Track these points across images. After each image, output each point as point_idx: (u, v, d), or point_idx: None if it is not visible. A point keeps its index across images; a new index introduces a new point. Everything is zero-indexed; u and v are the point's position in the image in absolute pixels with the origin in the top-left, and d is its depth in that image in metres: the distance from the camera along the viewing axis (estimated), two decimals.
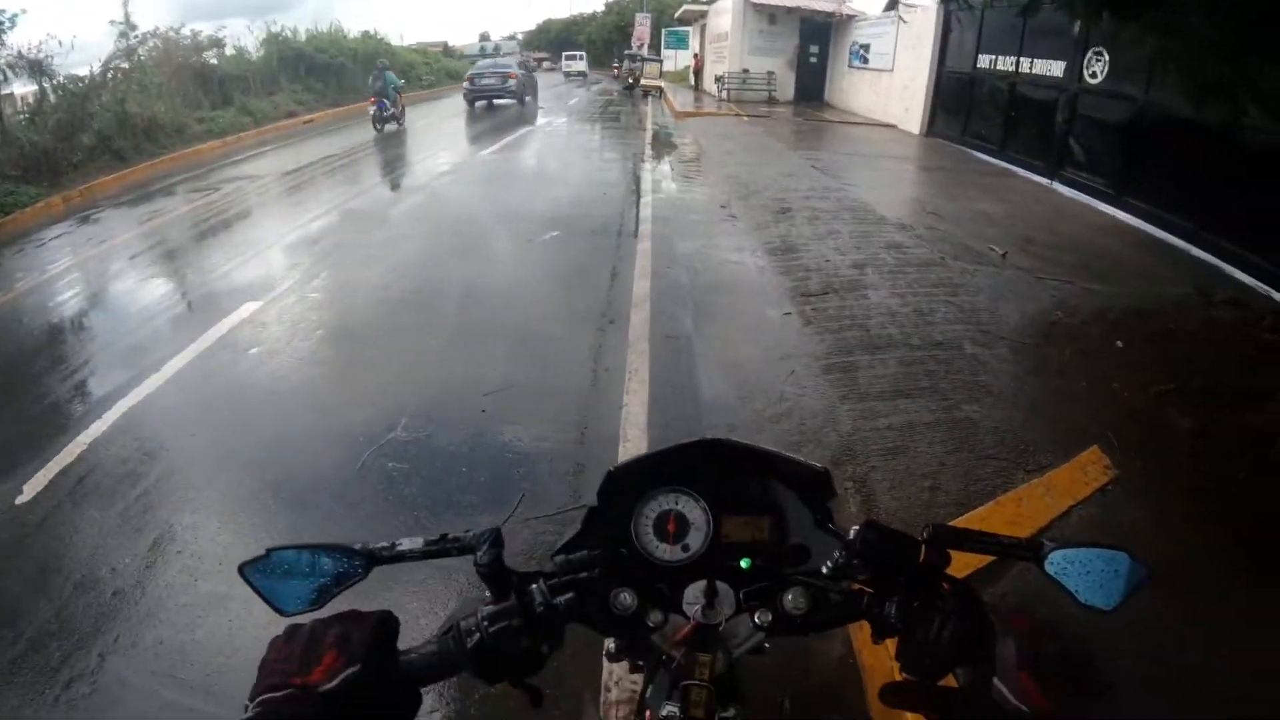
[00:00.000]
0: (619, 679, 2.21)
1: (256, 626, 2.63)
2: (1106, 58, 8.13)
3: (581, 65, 40.34)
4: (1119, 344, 4.01)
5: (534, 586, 0.78)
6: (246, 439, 3.77)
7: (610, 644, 1.00)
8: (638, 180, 9.50)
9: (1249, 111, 4.64)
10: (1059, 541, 0.78)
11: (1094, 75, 8.40)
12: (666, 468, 0.93)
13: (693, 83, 26.48)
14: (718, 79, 21.12)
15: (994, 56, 10.86)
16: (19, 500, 3.40)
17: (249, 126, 16.17)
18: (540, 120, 18.66)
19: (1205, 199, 6.04)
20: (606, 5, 54.55)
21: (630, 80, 25.91)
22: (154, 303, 5.83)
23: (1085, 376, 3.71)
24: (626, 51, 29.43)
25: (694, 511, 0.92)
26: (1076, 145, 8.77)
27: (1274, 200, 5.21)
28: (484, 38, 62.08)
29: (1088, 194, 8.15)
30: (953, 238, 6.19)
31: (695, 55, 27.31)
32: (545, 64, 46.95)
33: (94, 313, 5.86)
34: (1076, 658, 0.77)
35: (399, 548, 0.80)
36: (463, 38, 67.96)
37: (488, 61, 25.07)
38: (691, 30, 30.43)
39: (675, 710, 0.82)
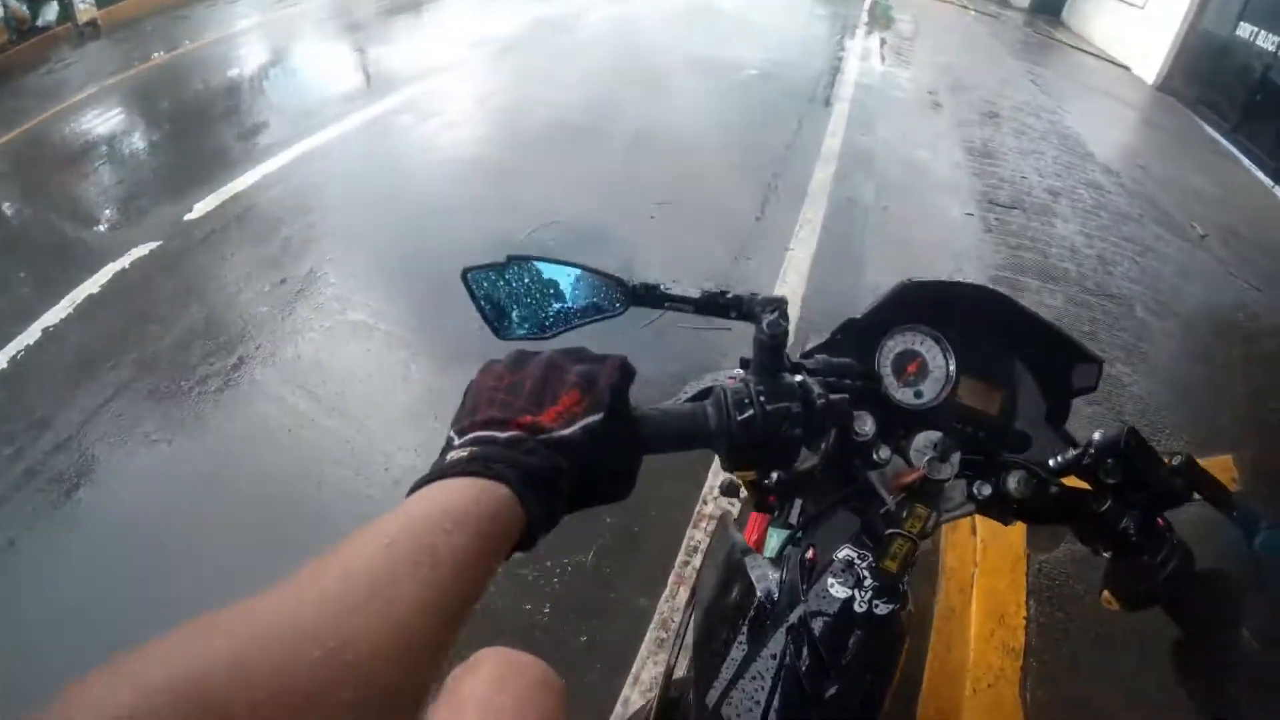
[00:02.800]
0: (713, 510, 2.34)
1: (397, 362, 2.94)
2: None
3: None
4: None
5: (812, 378, 0.69)
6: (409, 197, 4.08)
7: (728, 477, 1.02)
8: (845, 47, 9.02)
9: None
10: (1274, 521, 0.74)
11: None
12: (930, 305, 0.90)
13: None
14: None
15: (1257, 29, 9.57)
16: (187, 217, 3.79)
17: None
18: None
19: None
20: None
21: None
22: (333, 70, 6.14)
23: (1245, 385, 3.65)
24: None
25: (938, 360, 0.89)
26: None
27: None
28: None
29: None
30: (1156, 199, 5.87)
31: None
32: None
33: (276, 70, 6.20)
34: None
35: (671, 290, 0.70)
36: None
37: None
38: None
39: (854, 555, 0.79)
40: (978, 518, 0.83)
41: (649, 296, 0.70)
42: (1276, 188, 8.11)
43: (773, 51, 8.06)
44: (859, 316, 0.89)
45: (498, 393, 0.55)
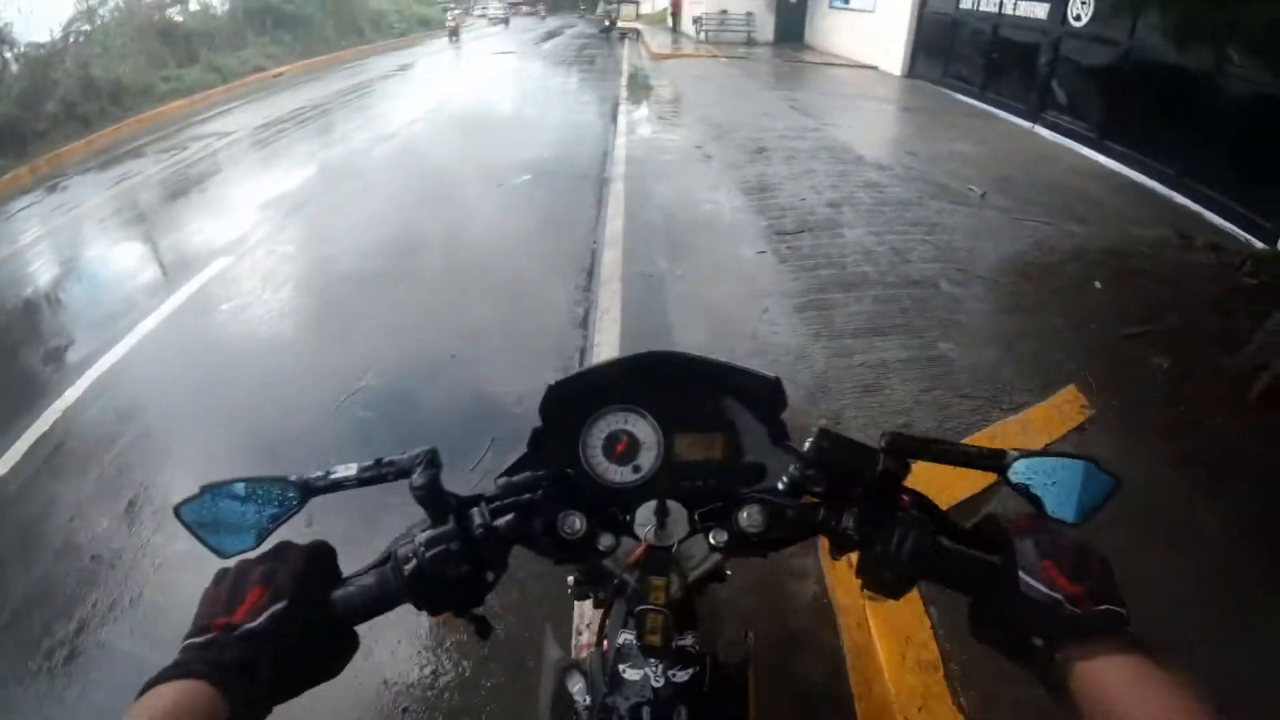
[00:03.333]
0: (590, 620, 2.12)
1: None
2: (1091, 0, 7.93)
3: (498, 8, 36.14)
4: (1097, 285, 3.92)
5: (474, 510, 0.73)
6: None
7: (571, 579, 1.00)
8: (613, 124, 9.18)
9: (1232, 56, 4.54)
10: (1023, 450, 0.74)
11: (1078, 18, 8.18)
12: (614, 385, 0.89)
13: (671, 25, 25.66)
14: (695, 20, 20.47)
15: None
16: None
17: (217, 83, 15.27)
18: (512, 62, 18.09)
19: (1187, 145, 5.94)
20: None
21: (607, 22, 25.13)
22: (124, 267, 5.62)
23: (1062, 316, 3.63)
24: None
25: (644, 430, 0.89)
26: (1059, 89, 8.59)
27: (1255, 146, 5.13)
28: None
29: (1070, 138, 8.01)
30: (931, 177, 6.05)
31: None
32: (523, 9, 45.01)
33: (67, 280, 5.61)
34: (1091, 549, 0.67)
35: (333, 475, 0.74)
36: None
37: None
38: None
39: (632, 638, 0.78)
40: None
41: (318, 486, 0.73)
42: (1036, 127, 8.73)
43: (546, 147, 8.15)
44: (540, 425, 0.88)
45: (203, 607, 0.62)
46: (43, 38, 12.36)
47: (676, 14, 25.04)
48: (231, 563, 0.67)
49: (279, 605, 0.61)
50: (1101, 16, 7.71)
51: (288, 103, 13.01)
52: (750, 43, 19.22)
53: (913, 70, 12.78)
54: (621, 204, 5.53)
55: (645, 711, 0.76)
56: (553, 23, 37.69)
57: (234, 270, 5.03)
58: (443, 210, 6.12)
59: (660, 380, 0.89)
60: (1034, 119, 8.86)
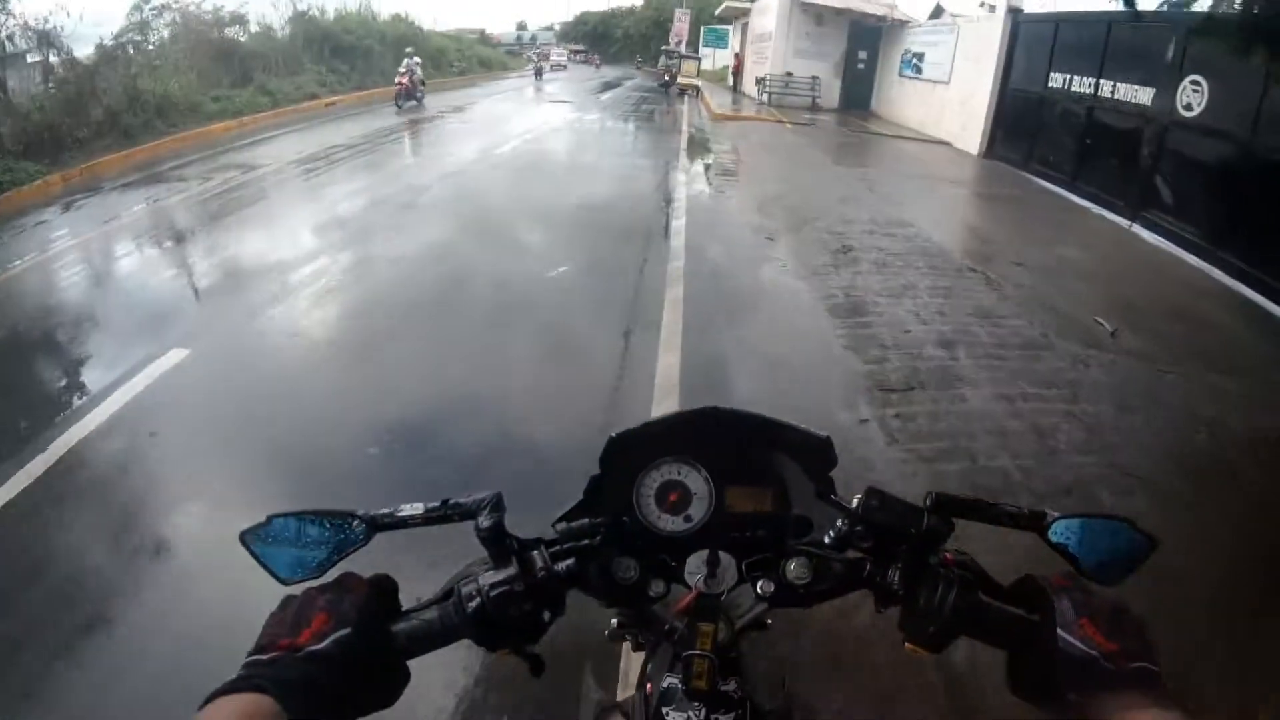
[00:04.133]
0: (634, 663, 1.78)
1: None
2: (1205, 88, 7.20)
3: (560, 58, 40.01)
4: None
5: (534, 552, 0.77)
6: None
7: (613, 622, 1.00)
8: (668, 199, 8.53)
9: None
10: (1062, 511, 0.77)
11: (1189, 107, 7.46)
12: (669, 437, 0.91)
13: (731, 83, 25.48)
14: (759, 81, 20.11)
15: (1069, 75, 9.84)
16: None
17: (266, 107, 15.39)
18: (568, 114, 17.77)
19: None
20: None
21: (667, 77, 24.94)
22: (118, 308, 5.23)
23: (1269, 559, 2.75)
24: (664, 48, 28.40)
25: (696, 482, 0.90)
26: (1164, 185, 7.82)
27: None
28: (521, 27, 61.83)
29: (1175, 243, 7.25)
30: (1049, 301, 5.28)
31: (735, 55, 26.19)
32: (579, 57, 46.51)
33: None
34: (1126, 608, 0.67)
35: (400, 513, 0.77)
36: (500, 26, 68.01)
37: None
38: (732, 29, 29.32)
39: (677, 682, 0.82)
40: None
41: (385, 523, 0.76)
42: (1134, 226, 7.94)
43: (593, 224, 7.29)
44: (596, 474, 0.90)
45: (269, 628, 0.66)
46: (92, 44, 12.48)
47: (738, 73, 24.88)
48: (297, 590, 0.71)
49: (344, 632, 0.64)
50: (1217, 106, 6.98)
51: (334, 135, 12.85)
52: (815, 108, 18.76)
53: (991, 150, 12.07)
54: (679, 329, 4.62)
55: None
56: (609, 72, 38.00)
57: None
58: (505, 272, 5.32)
59: (714, 434, 0.90)
60: (1132, 217, 8.08)
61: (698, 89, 23.70)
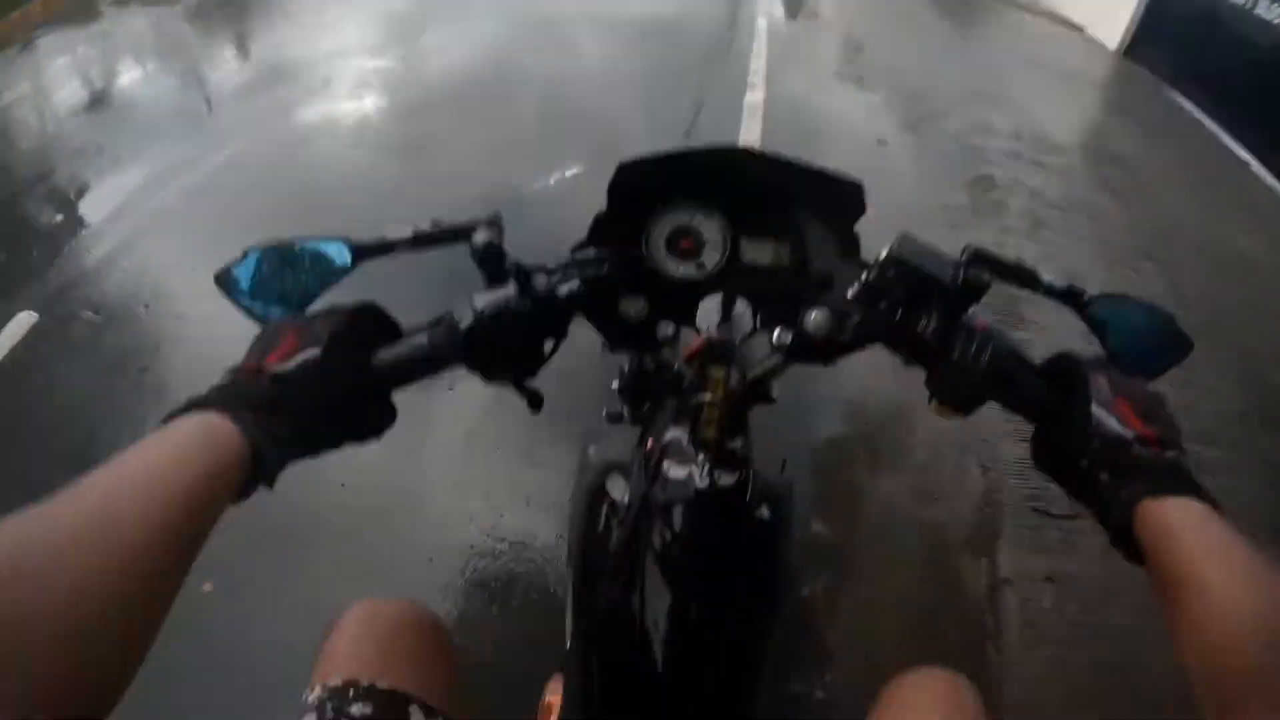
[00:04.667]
0: None
1: None
2: None
3: None
4: None
5: (536, 274, 0.74)
6: None
7: (614, 386, 0.96)
8: None
9: None
10: (1105, 291, 0.75)
11: None
12: (684, 175, 0.85)
13: None
14: None
15: None
16: None
17: None
18: None
19: None
20: None
21: None
22: None
23: None
24: None
25: (710, 229, 0.86)
26: None
27: None
28: None
29: None
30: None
31: None
32: None
33: None
34: (1163, 399, 0.66)
35: (387, 237, 0.74)
36: None
37: None
38: None
39: (682, 433, 0.80)
40: None
41: (370, 248, 0.73)
42: None
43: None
44: (603, 211, 0.85)
45: (244, 358, 0.63)
46: None
47: None
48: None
49: (311, 353, 0.61)
50: None
51: None
52: None
53: (1134, 49, 9.56)
54: None
55: (681, 511, 0.80)
56: None
57: None
58: None
59: (733, 177, 0.85)
60: None
61: None
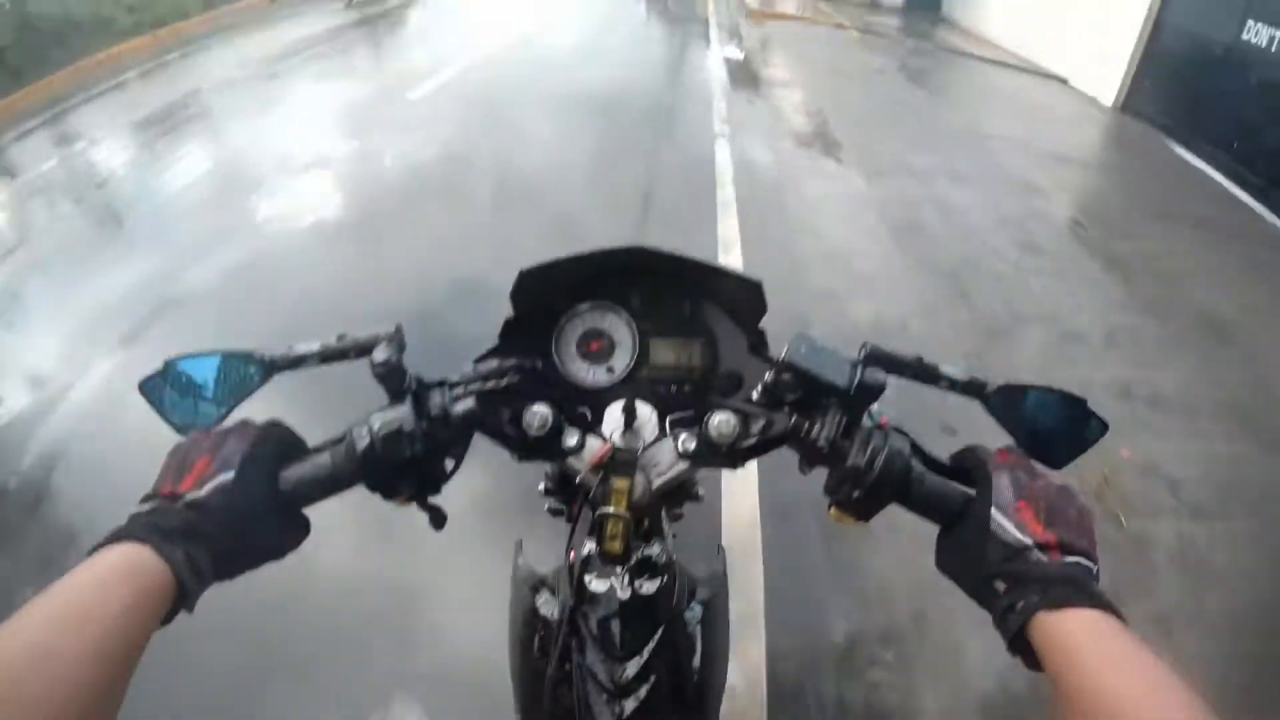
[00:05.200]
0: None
1: None
2: None
3: None
4: None
5: (434, 391, 0.71)
6: None
7: (541, 486, 0.96)
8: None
9: None
10: (1008, 380, 0.71)
11: None
12: (591, 279, 0.85)
13: None
14: None
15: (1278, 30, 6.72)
16: None
17: (196, 10, 11.71)
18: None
19: None
20: None
21: None
22: None
23: None
24: None
25: (620, 331, 0.86)
26: None
27: None
28: None
29: None
30: None
31: None
32: None
33: None
34: (1071, 495, 0.62)
35: (296, 351, 0.74)
36: None
37: None
38: None
39: (594, 548, 0.77)
40: None
41: (284, 362, 0.72)
42: None
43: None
44: (511, 317, 0.85)
45: (159, 478, 0.62)
46: None
47: None
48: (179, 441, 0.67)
49: (225, 477, 0.61)
50: None
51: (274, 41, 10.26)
52: (873, 5, 15.36)
53: (1131, 103, 8.80)
54: None
55: (614, 625, 0.76)
56: None
57: None
58: None
59: (640, 278, 0.85)
60: None
61: None
